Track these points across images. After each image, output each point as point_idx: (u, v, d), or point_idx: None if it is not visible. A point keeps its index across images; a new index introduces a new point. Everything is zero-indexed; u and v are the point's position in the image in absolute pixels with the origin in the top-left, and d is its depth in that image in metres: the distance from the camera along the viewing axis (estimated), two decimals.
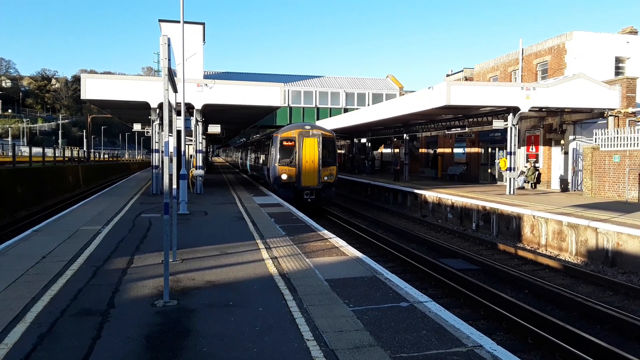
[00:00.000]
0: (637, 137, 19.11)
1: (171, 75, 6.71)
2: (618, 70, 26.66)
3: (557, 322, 8.58)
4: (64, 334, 5.32)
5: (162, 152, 19.36)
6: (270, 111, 25.39)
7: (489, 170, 32.32)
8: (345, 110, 46.52)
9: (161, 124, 19.62)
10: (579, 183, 23.89)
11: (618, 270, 13.11)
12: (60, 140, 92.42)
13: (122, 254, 9.18)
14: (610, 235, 13.53)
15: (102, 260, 8.69)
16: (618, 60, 26.89)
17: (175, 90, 8.03)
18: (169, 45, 6.22)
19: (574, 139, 24.85)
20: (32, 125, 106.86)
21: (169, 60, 6.24)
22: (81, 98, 19.81)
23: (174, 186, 8.93)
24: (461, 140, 35.36)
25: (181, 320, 5.76)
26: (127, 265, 8.34)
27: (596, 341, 7.70)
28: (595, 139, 21.17)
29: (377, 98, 48.53)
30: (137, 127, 24.78)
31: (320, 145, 22.21)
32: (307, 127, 22.87)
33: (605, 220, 14.08)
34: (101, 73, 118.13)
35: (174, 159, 7.69)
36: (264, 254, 9.38)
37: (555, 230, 15.76)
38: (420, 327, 5.56)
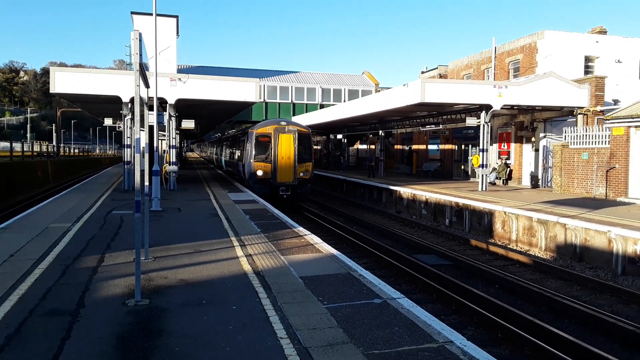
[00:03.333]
0: (605, 135, 19.63)
1: (142, 70, 6.60)
2: (587, 69, 27.31)
3: (526, 317, 8.78)
4: (32, 335, 5.20)
5: (134, 148, 19.03)
6: (245, 107, 25.23)
7: (463, 167, 32.80)
8: (322, 106, 46.51)
9: (133, 119, 19.32)
10: (549, 180, 24.43)
11: (586, 265, 13.47)
12: (28, 135, 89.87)
13: (93, 252, 9.01)
14: (578, 231, 13.89)
15: (72, 259, 8.52)
16: (587, 59, 27.54)
17: (147, 86, 7.90)
18: (140, 40, 6.11)
19: (544, 137, 25.39)
20: None
21: (140, 55, 6.13)
22: (50, 92, 19.33)
23: (146, 183, 8.81)
24: (435, 137, 35.78)
25: (153, 319, 5.70)
26: (97, 264, 8.20)
27: (564, 335, 7.91)
28: (565, 136, 21.67)
29: (353, 94, 48.66)
30: (108, 121, 24.31)
31: (296, 142, 22.17)
32: (283, 123, 22.81)
33: (573, 217, 14.45)
34: (71, 66, 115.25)
35: (146, 155, 7.57)
36: (239, 251, 9.33)
37: (525, 226, 16.10)
38: (392, 324, 5.62)
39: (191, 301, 6.35)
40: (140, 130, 7.38)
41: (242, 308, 6.10)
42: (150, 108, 14.68)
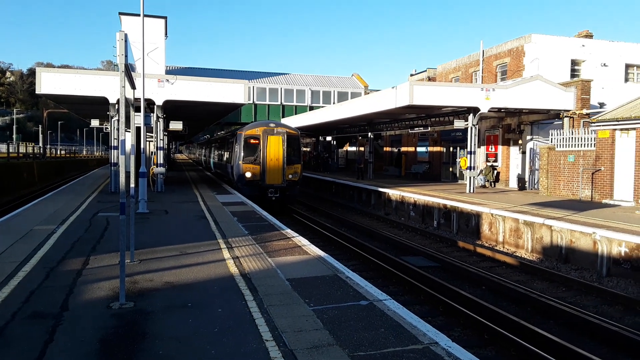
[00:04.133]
0: (591, 138, 19.86)
1: (128, 71, 6.56)
2: (574, 73, 27.61)
3: (512, 318, 8.84)
4: (14, 338, 5.14)
5: (118, 149, 18.89)
6: (234, 108, 25.15)
7: (451, 169, 32.98)
8: (311, 108, 46.54)
9: (120, 120, 19.18)
10: (535, 182, 24.65)
11: (571, 267, 13.61)
12: (14, 136, 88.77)
13: (78, 255, 8.92)
14: (564, 233, 14.03)
15: (57, 261, 8.42)
16: (574, 62, 27.84)
17: (133, 87, 7.85)
18: (126, 41, 6.07)
19: (531, 139, 25.62)
20: None
21: (126, 56, 6.09)
22: (36, 93, 19.11)
23: (132, 185, 8.75)
24: (424, 139, 35.96)
25: (137, 322, 5.65)
26: (82, 266, 8.11)
27: (549, 336, 7.98)
28: (551, 139, 21.89)
29: (342, 96, 48.74)
30: (95, 123, 24.09)
31: (285, 143, 22.15)
32: (272, 124, 22.78)
33: (559, 218, 14.59)
34: (58, 66, 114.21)
35: (132, 157, 7.51)
36: (226, 253, 9.29)
37: (512, 227, 16.23)
38: (378, 325, 5.63)
39: (176, 304, 6.31)
40: (127, 131, 7.33)
41: (227, 311, 6.07)
42: (137, 109, 14.59)
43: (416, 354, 4.85)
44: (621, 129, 18.54)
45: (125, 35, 6.07)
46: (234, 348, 4.96)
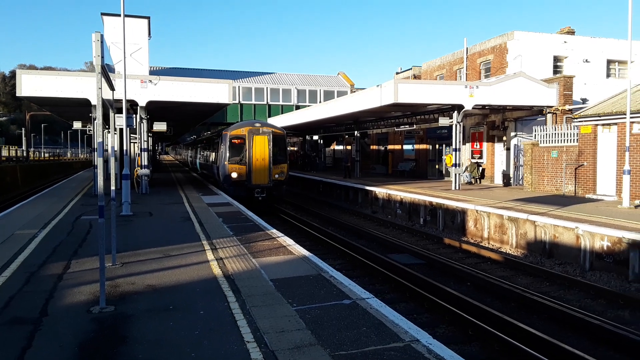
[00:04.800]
0: (573, 134, 20.08)
1: (106, 72, 6.48)
2: (556, 69, 27.89)
3: (496, 314, 8.91)
4: None
5: (97, 152, 18.71)
6: (218, 108, 25.02)
7: (437, 166, 33.14)
8: (297, 107, 46.47)
9: (105, 122, 18.99)
10: (520, 178, 24.86)
11: (555, 262, 13.74)
12: None
13: (59, 259, 8.81)
14: (548, 228, 14.16)
15: (37, 266, 8.31)
16: (556, 59, 28.12)
17: (112, 88, 7.76)
18: (102, 42, 5.99)
19: (515, 136, 25.84)
20: None
21: (103, 57, 6.01)
22: (17, 95, 18.84)
23: (113, 187, 8.66)
24: (410, 137, 36.08)
25: (117, 326, 5.59)
26: (63, 271, 8.02)
27: (531, 331, 8.05)
28: (535, 135, 22.09)
29: (328, 95, 48.76)
30: (77, 125, 23.85)
31: (271, 143, 22.10)
32: (257, 124, 22.72)
33: (543, 214, 14.72)
34: (42, 68, 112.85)
35: (111, 159, 7.43)
36: (209, 255, 9.23)
37: (497, 223, 16.35)
38: (360, 324, 5.63)
39: (158, 307, 6.25)
40: (111, 133, 7.25)
41: (209, 313, 6.03)
42: (120, 110, 14.45)
43: (397, 352, 4.86)
44: (603, 124, 18.76)
45: (102, 36, 6.00)
46: (215, 350, 4.93)
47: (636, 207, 16.02)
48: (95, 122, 19.55)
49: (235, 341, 5.14)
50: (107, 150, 19.34)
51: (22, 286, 7.17)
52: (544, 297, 10.10)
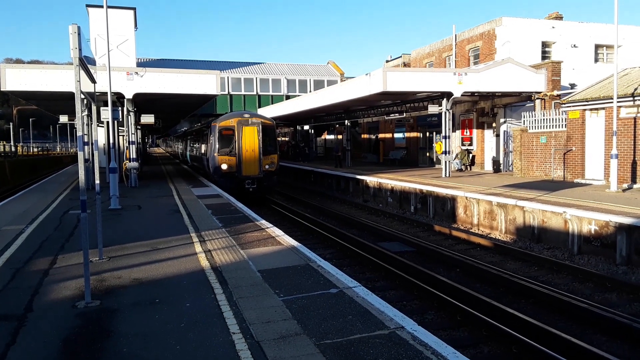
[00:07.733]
0: (562, 119, 20.14)
1: (85, 65, 6.39)
2: (544, 55, 27.91)
3: (484, 299, 8.96)
4: None
5: (91, 145, 18.51)
6: (207, 100, 24.84)
7: (428, 154, 33.21)
8: (287, 97, 46.25)
9: (89, 115, 18.79)
10: (509, 164, 24.96)
11: (544, 246, 13.84)
12: None
13: (45, 254, 8.74)
14: (536, 213, 14.24)
15: (23, 262, 8.25)
16: (544, 44, 28.14)
17: (93, 81, 7.66)
18: (79, 34, 5.91)
19: (504, 122, 25.89)
20: None
21: (80, 50, 5.93)
22: (1, 90, 18.58)
23: (97, 181, 8.58)
24: (401, 125, 36.08)
25: (102, 321, 5.56)
26: (49, 266, 7.96)
27: (519, 315, 8.11)
28: (524, 121, 22.15)
29: (318, 84, 48.56)
30: (64, 119, 23.60)
31: (261, 134, 21.98)
32: (247, 115, 22.57)
33: (531, 199, 14.80)
34: (29, 62, 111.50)
35: (95, 153, 7.35)
36: (197, 247, 9.20)
37: (486, 210, 16.43)
38: (347, 313, 5.64)
39: (144, 300, 6.22)
40: (100, 126, 7.16)
41: (196, 305, 6.01)
42: (105, 103, 14.30)
43: (382, 339, 4.87)
44: (591, 109, 18.83)
45: (79, 27, 5.91)
46: (200, 342, 4.92)
47: (624, 190, 16.14)
48: (82, 114, 19.34)
49: (221, 333, 5.13)
50: (87, 144, 19.18)
51: (7, 282, 7.12)
52: (532, 282, 10.18)
